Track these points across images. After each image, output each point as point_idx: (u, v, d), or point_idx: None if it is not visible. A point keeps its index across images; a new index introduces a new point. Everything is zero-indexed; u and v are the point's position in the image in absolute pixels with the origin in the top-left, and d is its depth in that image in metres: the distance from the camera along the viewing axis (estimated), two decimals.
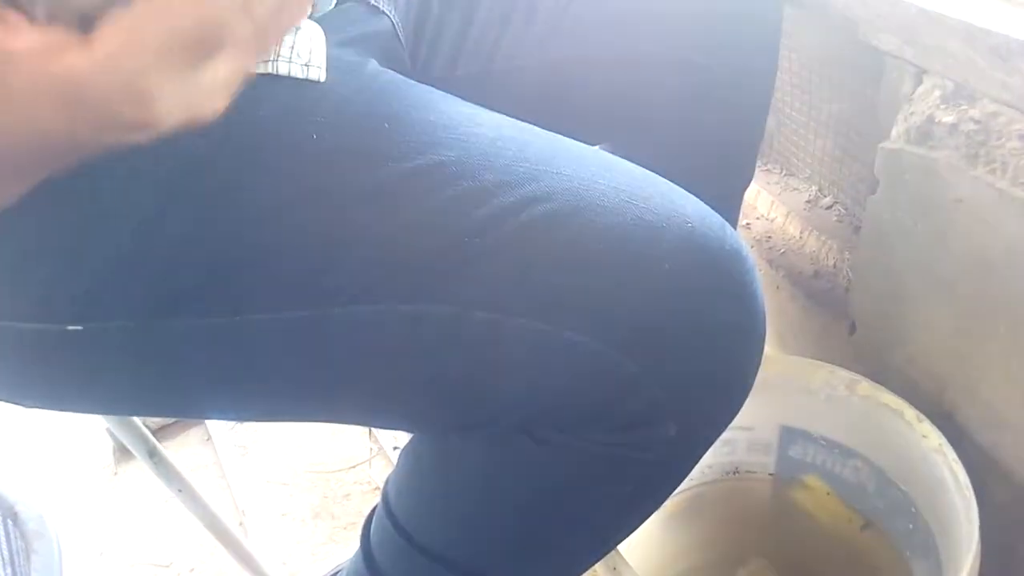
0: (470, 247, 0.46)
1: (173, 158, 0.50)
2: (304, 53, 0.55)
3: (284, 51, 0.55)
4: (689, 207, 0.49)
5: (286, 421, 0.58)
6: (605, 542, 0.60)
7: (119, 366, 0.50)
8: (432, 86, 0.54)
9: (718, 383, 0.51)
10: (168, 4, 0.28)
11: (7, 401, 0.55)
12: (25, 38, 0.27)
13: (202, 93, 0.30)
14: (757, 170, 1.18)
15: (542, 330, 0.46)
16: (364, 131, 0.49)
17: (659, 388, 0.48)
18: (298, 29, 0.56)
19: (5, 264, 0.46)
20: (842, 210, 1.09)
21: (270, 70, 0.55)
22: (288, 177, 0.48)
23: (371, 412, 0.57)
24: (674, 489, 0.57)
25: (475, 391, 0.50)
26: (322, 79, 0.55)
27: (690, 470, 0.56)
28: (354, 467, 1.32)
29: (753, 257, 0.51)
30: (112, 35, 0.28)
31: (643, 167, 0.52)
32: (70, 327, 0.46)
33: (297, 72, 0.55)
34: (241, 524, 1.23)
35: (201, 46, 0.29)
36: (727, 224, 0.51)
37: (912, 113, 0.76)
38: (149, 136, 0.30)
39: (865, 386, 0.82)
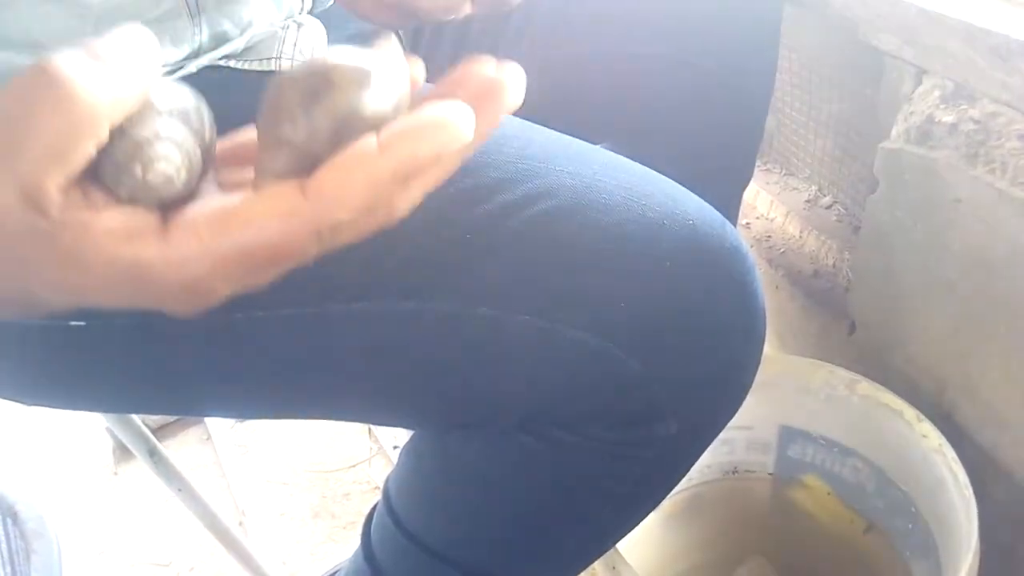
0: (471, 244, 0.46)
1: None
2: (306, 51, 0.56)
3: (287, 49, 0.55)
4: (690, 205, 0.50)
5: (287, 418, 0.58)
6: (605, 539, 0.60)
7: (121, 363, 0.50)
8: (432, 83, 0.54)
9: (718, 381, 0.51)
10: (248, 222, 0.28)
11: (9, 399, 0.55)
12: (105, 218, 0.28)
13: (231, 291, 0.31)
14: (757, 170, 1.18)
15: (543, 327, 0.46)
16: None
17: (659, 386, 0.48)
18: (300, 26, 0.57)
19: None
20: (842, 210, 1.09)
21: (272, 68, 0.55)
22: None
23: (371, 410, 0.57)
24: (674, 486, 0.57)
25: (476, 389, 0.50)
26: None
27: (690, 468, 0.56)
28: (354, 466, 1.32)
29: (753, 256, 0.51)
30: (186, 240, 0.28)
31: (643, 166, 0.52)
32: (73, 323, 0.47)
33: None
34: (241, 523, 1.23)
35: (267, 267, 0.30)
36: (727, 222, 0.51)
37: (912, 113, 0.76)
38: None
39: (864, 386, 0.82)
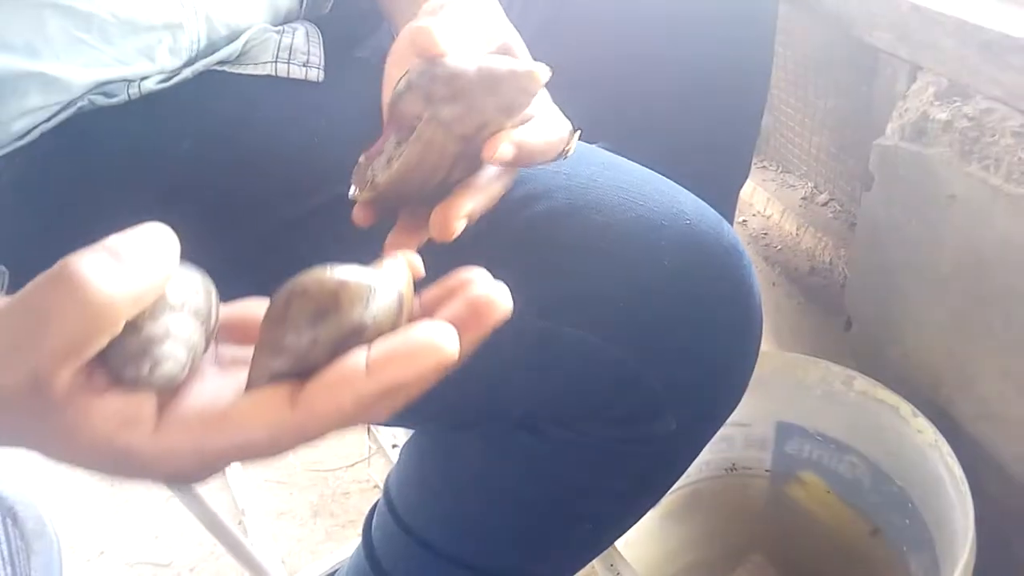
0: (470, 245, 0.46)
1: (175, 160, 0.50)
2: (302, 54, 0.56)
3: (283, 52, 0.55)
4: (687, 204, 0.50)
5: None
6: (605, 535, 0.60)
7: None
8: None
9: (715, 378, 0.51)
10: (238, 427, 0.30)
11: None
12: (105, 403, 0.29)
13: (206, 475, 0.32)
14: (753, 167, 1.18)
15: (542, 327, 0.47)
16: (362, 132, 0.49)
17: (658, 383, 0.49)
18: (295, 30, 0.57)
19: (7, 253, 0.47)
20: (838, 207, 1.09)
21: (269, 71, 0.55)
22: (287, 177, 0.48)
23: None
24: (673, 483, 0.57)
25: (476, 388, 0.50)
26: (320, 79, 0.55)
27: (689, 464, 0.56)
28: (353, 465, 1.32)
29: (749, 254, 0.52)
30: (178, 436, 0.30)
31: (640, 165, 0.53)
32: None
33: (296, 73, 0.55)
34: (240, 523, 1.24)
35: (249, 460, 0.31)
36: (724, 221, 0.51)
37: (906, 110, 0.76)
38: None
39: (861, 382, 0.82)
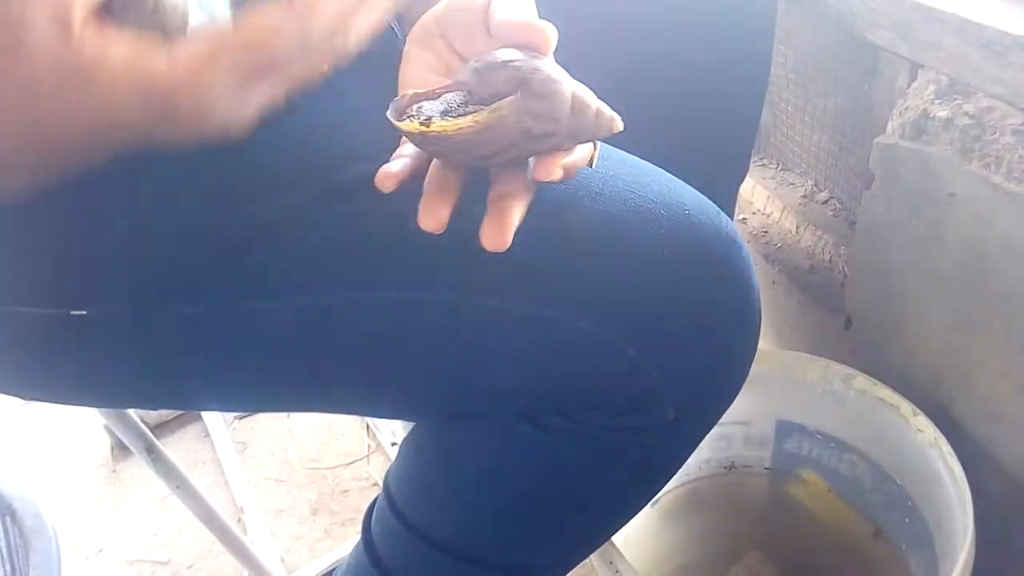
0: (471, 235, 0.46)
1: (179, 149, 0.50)
2: None
3: None
4: (686, 195, 0.50)
5: (287, 410, 0.59)
6: (605, 528, 0.60)
7: (122, 353, 0.50)
8: None
9: (715, 368, 0.51)
10: (240, 37, 0.33)
11: (8, 393, 0.55)
12: (117, 46, 0.32)
13: (243, 109, 0.35)
14: (753, 165, 1.18)
15: (542, 317, 0.47)
16: (362, 123, 0.49)
17: (657, 373, 0.49)
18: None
19: (11, 249, 0.47)
20: (838, 205, 1.09)
21: None
22: (288, 168, 0.48)
23: (372, 400, 0.57)
24: (673, 474, 0.57)
25: (476, 378, 0.51)
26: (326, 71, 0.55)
27: (688, 455, 0.56)
28: (352, 463, 1.32)
29: (749, 249, 0.52)
30: (192, 52, 0.33)
31: None
32: (74, 312, 0.47)
33: None
34: (239, 521, 1.24)
35: (260, 74, 0.34)
36: (722, 212, 0.51)
37: (907, 108, 0.76)
38: (195, 138, 0.35)
39: (861, 380, 0.82)
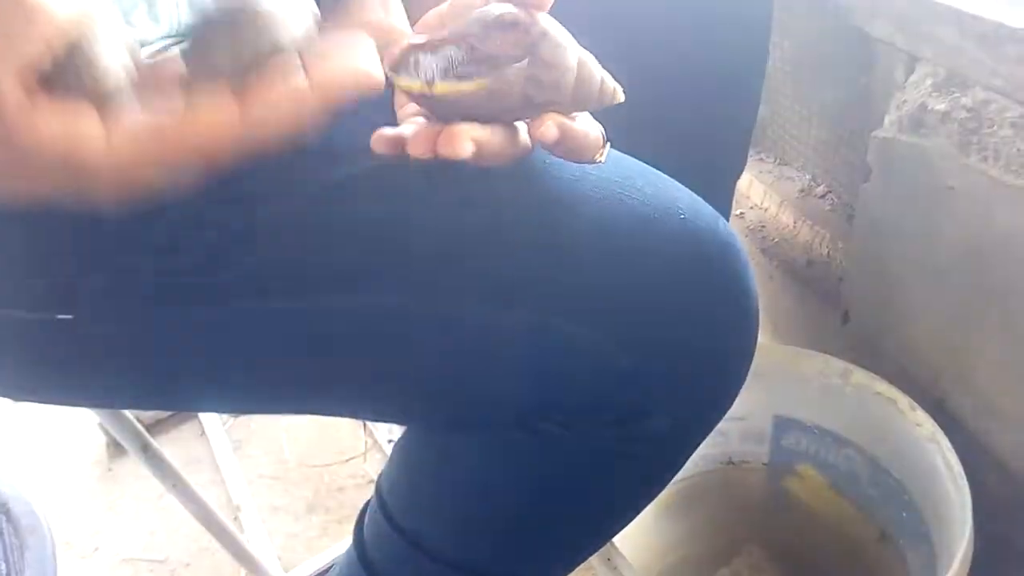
0: (462, 239, 0.46)
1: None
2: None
3: None
4: (682, 199, 0.49)
5: (279, 413, 0.58)
6: (599, 535, 0.60)
7: (111, 356, 0.50)
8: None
9: (710, 377, 0.51)
10: (183, 133, 0.32)
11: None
12: (50, 116, 0.30)
13: (171, 182, 0.34)
14: (750, 159, 1.18)
15: (535, 322, 0.46)
16: (356, 124, 0.49)
17: (652, 381, 0.48)
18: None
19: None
20: (835, 199, 1.08)
21: None
22: (280, 168, 0.47)
23: (364, 405, 0.57)
24: (667, 482, 0.57)
25: (468, 384, 0.50)
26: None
27: (684, 462, 0.56)
28: (348, 460, 1.32)
29: (746, 249, 0.51)
30: (130, 140, 0.31)
31: (633, 157, 0.52)
32: (60, 316, 0.46)
33: None
34: (235, 519, 1.23)
35: (195, 161, 0.33)
36: (720, 216, 0.50)
37: (904, 101, 0.76)
38: (115, 201, 0.34)
39: (858, 375, 0.82)
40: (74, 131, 0.31)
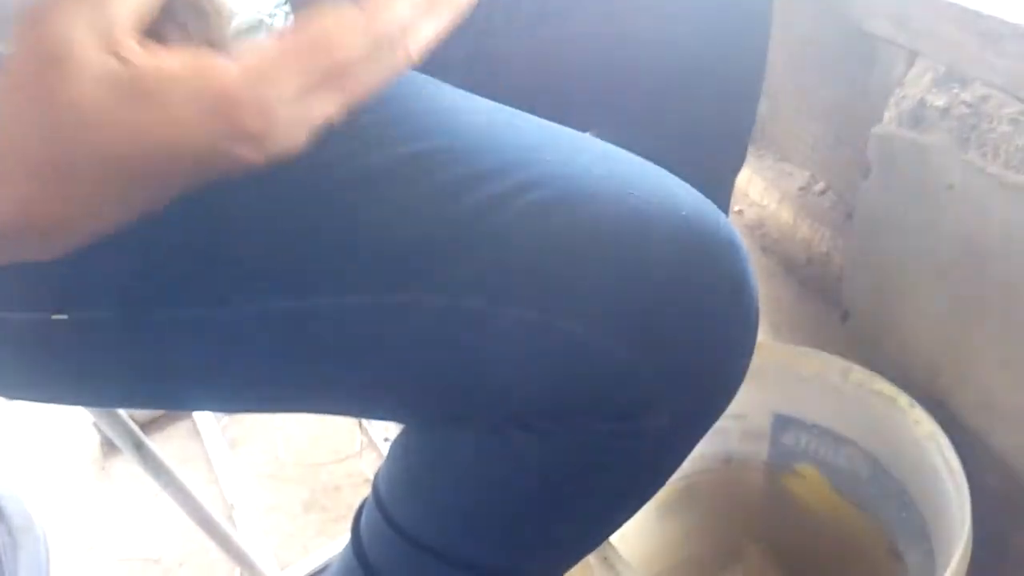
0: (460, 235, 0.45)
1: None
2: None
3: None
4: (682, 196, 0.49)
5: (274, 411, 0.58)
6: (597, 532, 0.59)
7: (105, 357, 0.49)
8: (419, 71, 0.53)
9: (710, 373, 0.50)
10: (306, 39, 0.31)
11: None
12: (171, 55, 0.29)
13: (305, 125, 0.32)
14: (750, 155, 1.17)
15: (534, 319, 0.46)
16: (352, 119, 0.48)
17: (651, 377, 0.48)
18: (288, 14, 0.56)
19: None
20: (835, 196, 1.08)
21: None
22: (274, 167, 0.47)
23: (360, 403, 0.57)
24: (666, 480, 0.57)
25: (467, 381, 0.50)
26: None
27: (682, 460, 0.56)
28: (344, 459, 1.31)
29: (745, 244, 0.51)
30: (256, 55, 0.30)
31: (633, 153, 0.52)
32: (55, 316, 0.46)
33: None
34: (230, 518, 1.23)
35: (325, 82, 0.31)
36: (720, 213, 0.50)
37: (904, 97, 0.76)
38: (255, 162, 0.33)
39: (858, 373, 0.82)
40: (201, 62, 0.29)
